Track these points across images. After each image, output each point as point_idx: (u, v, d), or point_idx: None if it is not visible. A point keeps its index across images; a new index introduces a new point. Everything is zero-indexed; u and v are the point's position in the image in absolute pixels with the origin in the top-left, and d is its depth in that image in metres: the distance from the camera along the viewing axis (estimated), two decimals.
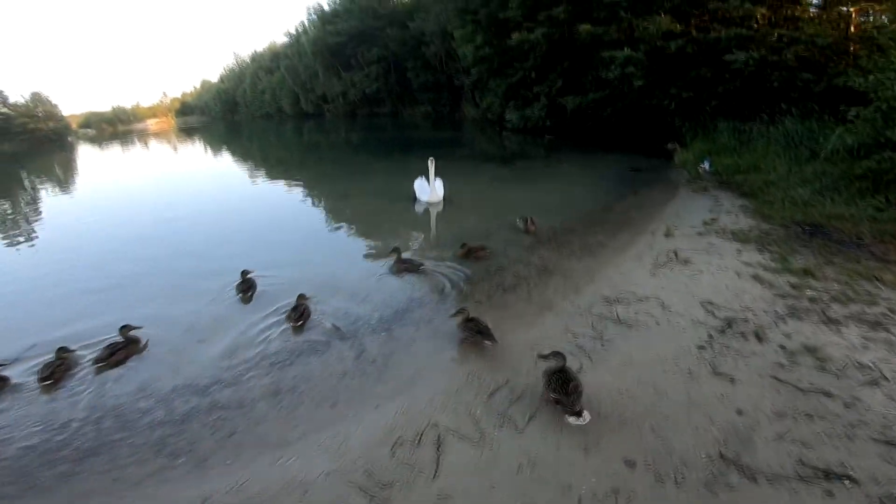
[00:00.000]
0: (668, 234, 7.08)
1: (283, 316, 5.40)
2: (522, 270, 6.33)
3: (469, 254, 6.83)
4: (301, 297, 5.56)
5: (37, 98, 62.54)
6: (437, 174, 9.99)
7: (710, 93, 14.55)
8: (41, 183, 18.29)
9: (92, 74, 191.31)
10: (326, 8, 44.76)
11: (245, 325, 5.36)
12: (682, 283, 5.42)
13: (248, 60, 77.17)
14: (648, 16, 15.21)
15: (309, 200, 12.20)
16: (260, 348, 4.90)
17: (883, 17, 12.19)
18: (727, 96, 14.29)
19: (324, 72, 46.29)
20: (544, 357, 3.79)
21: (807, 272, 5.37)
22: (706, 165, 11.13)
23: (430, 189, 9.78)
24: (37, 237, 9.78)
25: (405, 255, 6.89)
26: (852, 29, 12.88)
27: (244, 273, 6.28)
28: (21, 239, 9.63)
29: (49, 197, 14.37)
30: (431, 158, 9.70)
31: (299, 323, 5.18)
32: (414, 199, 10.20)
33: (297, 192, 13.21)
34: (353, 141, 26.01)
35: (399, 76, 39.12)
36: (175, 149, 28.10)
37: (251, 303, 5.92)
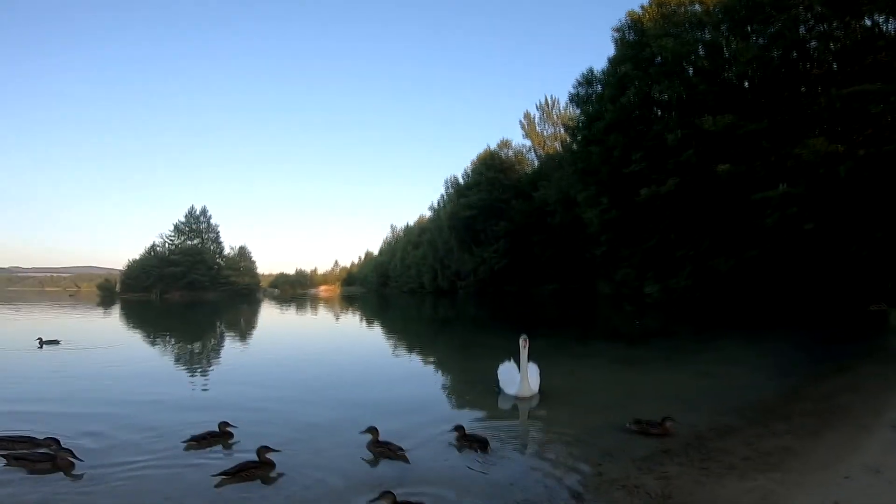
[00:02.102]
0: None
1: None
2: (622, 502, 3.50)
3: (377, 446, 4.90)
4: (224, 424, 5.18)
5: (242, 252, 76.02)
6: (533, 358, 7.33)
7: None
8: (228, 332, 21.07)
9: (284, 238, 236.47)
10: (461, 181, 49.26)
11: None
12: None
13: (401, 234, 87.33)
14: (798, 143, 12.87)
15: (413, 374, 10.07)
16: None
17: None
18: None
19: (458, 246, 48.99)
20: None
21: None
22: None
23: (519, 379, 7.28)
24: (209, 369, 10.70)
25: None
26: None
27: (223, 425, 5.38)
28: (197, 371, 10.65)
29: (229, 344, 16.35)
30: (524, 337, 7.23)
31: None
32: (500, 389, 7.68)
33: (416, 364, 11.48)
34: (480, 318, 25.24)
35: (525, 251, 39.25)
36: (336, 317, 30.28)
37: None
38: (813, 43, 14.47)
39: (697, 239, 17.08)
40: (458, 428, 5.21)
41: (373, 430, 5.07)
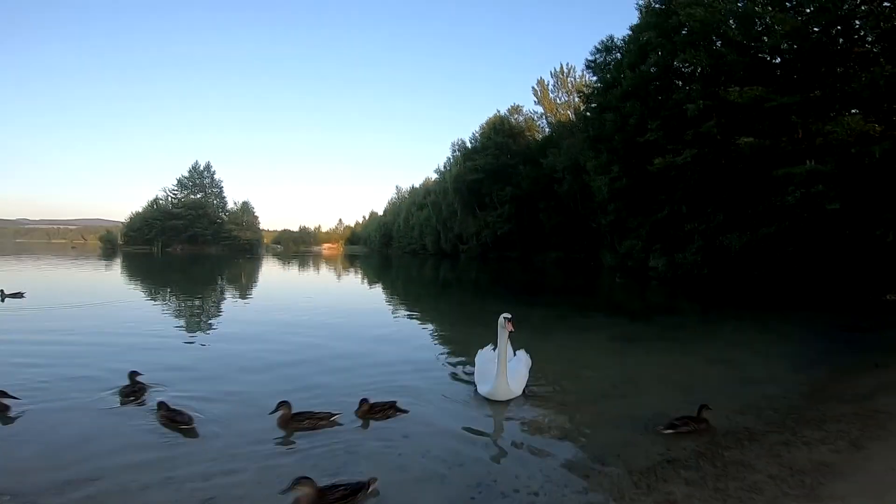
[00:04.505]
0: None
1: None
2: None
3: (371, 413, 4.71)
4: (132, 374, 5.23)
5: (245, 208, 75.02)
6: (528, 333, 6.30)
7: None
8: (229, 287, 20.66)
9: (289, 195, 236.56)
10: (468, 144, 48.76)
11: None
12: None
13: (406, 195, 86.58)
14: (831, 120, 12.04)
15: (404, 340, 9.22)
16: None
17: None
18: None
19: (462, 209, 48.63)
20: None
21: None
22: None
23: (496, 374, 5.30)
24: (209, 330, 10.05)
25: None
26: None
27: (132, 375, 5.26)
28: (198, 330, 10.05)
29: (230, 300, 15.86)
30: (506, 316, 5.35)
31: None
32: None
33: (405, 332, 10.38)
34: (481, 284, 24.84)
35: (531, 217, 38.67)
36: (338, 276, 29.94)
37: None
38: (857, 22, 13.57)
39: (710, 213, 16.46)
40: (363, 402, 4.72)
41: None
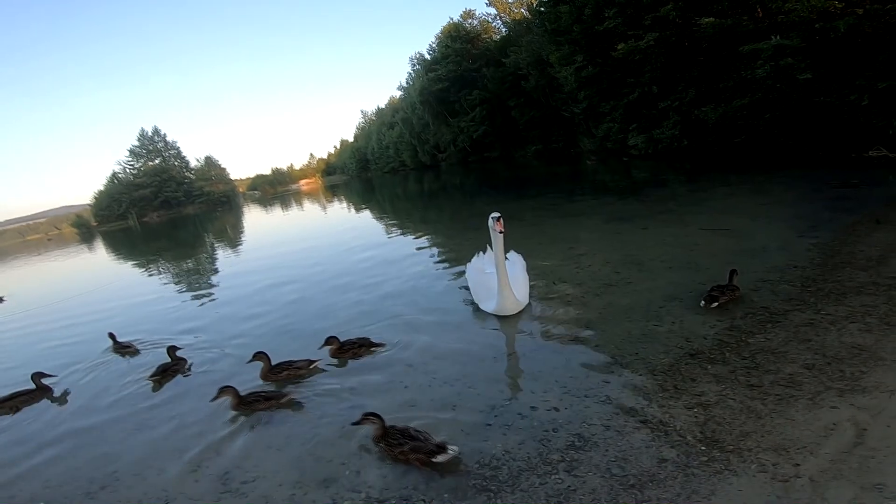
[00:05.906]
0: None
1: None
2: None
3: (341, 352, 4.46)
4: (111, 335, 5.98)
5: (209, 161, 71.71)
6: (520, 233, 6.33)
7: None
8: (218, 243, 20.44)
9: (254, 141, 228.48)
10: (427, 56, 46.82)
11: None
12: None
13: (373, 117, 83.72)
14: None
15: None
16: None
17: None
18: None
19: (433, 120, 47.56)
20: (358, 423, 3.01)
21: None
22: None
23: (499, 288, 4.81)
24: (209, 288, 9.83)
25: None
26: None
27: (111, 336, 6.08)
28: (199, 288, 10.00)
29: (222, 255, 15.59)
30: (495, 216, 4.72)
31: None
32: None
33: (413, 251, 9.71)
34: (467, 188, 24.80)
35: (504, 116, 37.94)
36: (324, 208, 29.42)
37: None
38: None
39: (682, 90, 16.36)
40: (330, 339, 4.48)
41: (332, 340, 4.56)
